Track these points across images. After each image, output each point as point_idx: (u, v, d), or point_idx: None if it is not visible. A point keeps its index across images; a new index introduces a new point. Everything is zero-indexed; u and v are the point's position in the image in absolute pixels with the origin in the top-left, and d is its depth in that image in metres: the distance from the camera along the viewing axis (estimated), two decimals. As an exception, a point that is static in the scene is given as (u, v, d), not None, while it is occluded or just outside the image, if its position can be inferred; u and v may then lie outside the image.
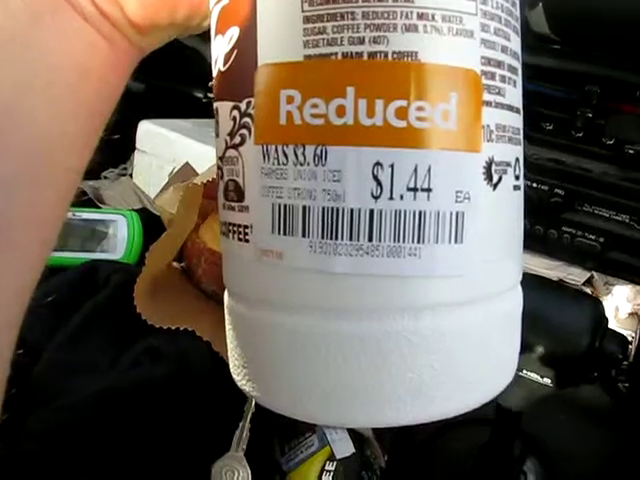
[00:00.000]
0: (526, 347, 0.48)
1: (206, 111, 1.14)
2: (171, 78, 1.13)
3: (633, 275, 0.64)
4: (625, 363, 0.68)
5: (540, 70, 0.62)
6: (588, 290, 0.65)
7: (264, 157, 0.23)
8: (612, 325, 0.67)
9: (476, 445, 0.70)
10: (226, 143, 0.24)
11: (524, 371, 0.50)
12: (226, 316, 0.27)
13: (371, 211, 0.22)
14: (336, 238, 0.22)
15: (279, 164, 0.23)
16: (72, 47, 0.26)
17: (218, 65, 0.24)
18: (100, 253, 0.66)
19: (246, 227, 0.24)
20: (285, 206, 0.23)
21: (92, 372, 0.53)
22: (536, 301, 0.48)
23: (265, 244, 0.23)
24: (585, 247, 0.64)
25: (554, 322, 0.47)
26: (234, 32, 0.23)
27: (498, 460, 0.69)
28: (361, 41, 0.22)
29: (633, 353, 0.67)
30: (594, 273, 0.66)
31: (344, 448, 0.59)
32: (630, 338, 0.69)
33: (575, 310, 0.48)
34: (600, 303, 0.50)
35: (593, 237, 0.64)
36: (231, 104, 0.23)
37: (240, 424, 0.55)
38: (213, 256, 0.60)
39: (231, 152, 0.24)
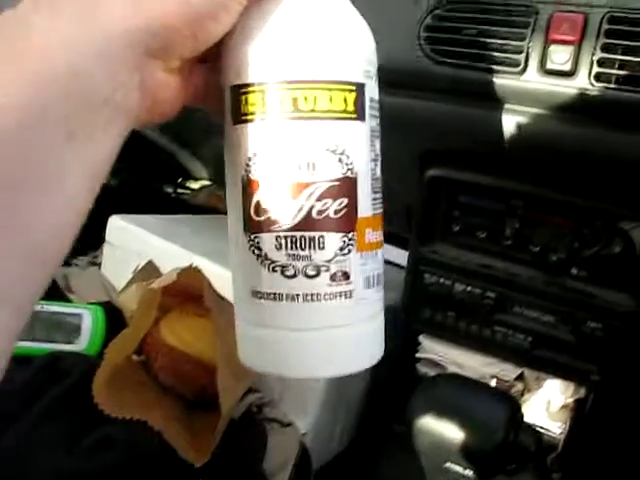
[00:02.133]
0: (449, 441, 0.53)
1: (175, 205, 1.20)
2: (143, 174, 1.19)
3: (559, 371, 0.69)
4: (554, 455, 0.73)
5: (471, 185, 0.68)
6: (520, 385, 0.70)
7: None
8: (544, 418, 0.72)
9: None
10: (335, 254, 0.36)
11: (448, 463, 0.54)
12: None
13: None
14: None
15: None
16: None
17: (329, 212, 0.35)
18: (64, 344, 0.70)
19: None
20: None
21: (51, 456, 0.56)
22: (457, 398, 0.54)
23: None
24: (515, 345, 0.70)
25: (472, 418, 0.52)
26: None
27: None
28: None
29: (562, 444, 0.72)
30: (525, 369, 0.71)
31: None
32: (560, 430, 0.74)
33: (491, 407, 0.53)
34: (514, 400, 0.55)
35: (522, 336, 0.69)
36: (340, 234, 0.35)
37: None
38: (171, 352, 0.64)
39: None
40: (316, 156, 0.35)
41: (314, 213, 0.35)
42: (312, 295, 0.36)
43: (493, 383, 0.71)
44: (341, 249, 0.36)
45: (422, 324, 0.72)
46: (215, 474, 0.60)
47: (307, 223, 0.35)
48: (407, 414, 0.55)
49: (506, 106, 0.60)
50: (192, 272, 0.61)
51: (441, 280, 0.72)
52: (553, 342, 0.68)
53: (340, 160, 0.35)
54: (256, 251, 0.36)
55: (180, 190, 1.20)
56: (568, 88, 0.56)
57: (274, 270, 0.36)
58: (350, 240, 0.36)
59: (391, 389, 0.63)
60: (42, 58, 0.27)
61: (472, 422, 0.52)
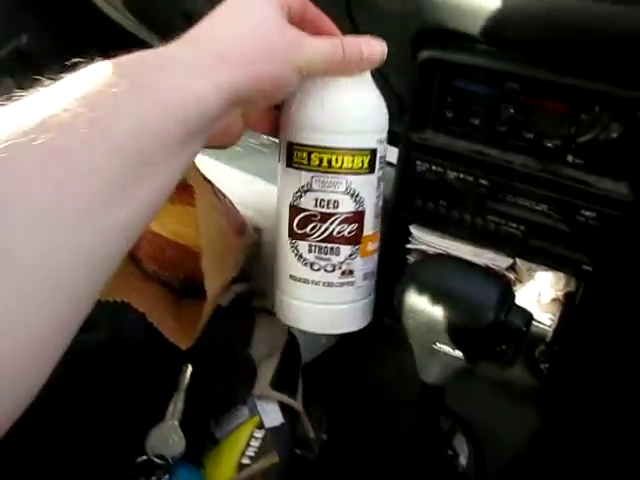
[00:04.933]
0: (438, 320, 0.52)
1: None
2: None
3: (551, 261, 0.68)
4: (544, 346, 0.73)
5: (465, 68, 0.66)
6: (511, 276, 0.69)
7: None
8: (534, 310, 0.71)
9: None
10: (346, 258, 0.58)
11: (437, 344, 0.53)
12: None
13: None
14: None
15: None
16: None
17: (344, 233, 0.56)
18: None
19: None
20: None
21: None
22: (447, 277, 0.52)
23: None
24: (508, 235, 0.68)
25: (463, 297, 0.51)
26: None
27: (427, 439, 0.73)
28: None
29: (551, 335, 0.71)
30: (517, 260, 0.70)
31: (273, 418, 0.62)
32: (550, 322, 0.73)
33: (482, 286, 0.52)
34: (506, 279, 0.54)
35: (515, 225, 0.68)
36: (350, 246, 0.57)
37: (174, 395, 0.58)
38: (155, 238, 0.63)
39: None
40: (339, 197, 0.55)
41: (335, 233, 0.56)
42: (328, 283, 0.57)
43: (484, 273, 0.70)
44: (350, 255, 0.57)
45: (413, 214, 0.71)
46: (201, 359, 0.59)
47: (329, 238, 0.56)
48: (395, 295, 0.54)
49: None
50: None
51: (433, 167, 0.70)
52: (546, 231, 0.67)
53: (355, 200, 0.55)
54: (295, 251, 0.57)
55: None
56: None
57: (305, 265, 0.57)
58: (357, 250, 0.57)
59: (381, 282, 0.62)
60: (177, 96, 0.38)
61: (462, 301, 0.51)
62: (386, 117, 0.56)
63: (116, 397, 0.54)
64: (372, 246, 0.59)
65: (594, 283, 0.67)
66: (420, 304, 0.52)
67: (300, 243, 0.56)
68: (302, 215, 0.55)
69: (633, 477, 0.69)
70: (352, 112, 0.53)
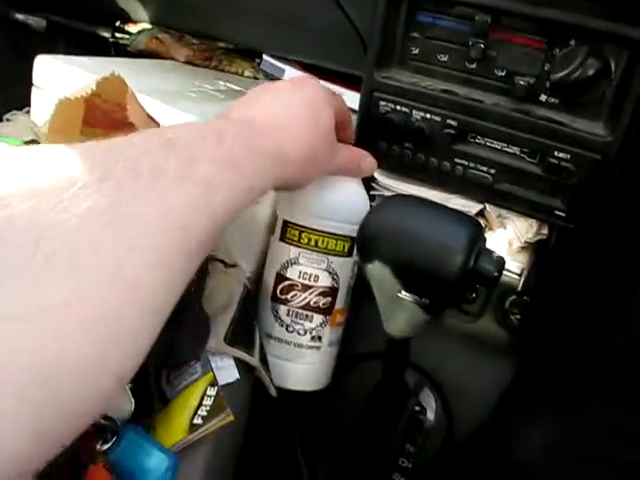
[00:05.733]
0: (401, 266, 0.48)
1: (112, 51, 1.11)
2: (76, 17, 1.08)
3: (522, 206, 0.65)
4: (514, 296, 0.70)
5: (432, 0, 0.61)
6: (481, 222, 0.66)
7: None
8: (504, 257, 0.68)
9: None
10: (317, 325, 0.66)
11: (402, 292, 0.50)
12: None
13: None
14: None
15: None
16: None
17: (319, 303, 0.66)
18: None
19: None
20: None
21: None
22: (412, 219, 0.48)
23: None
24: (477, 179, 0.65)
25: (429, 239, 0.47)
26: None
27: (393, 393, 0.70)
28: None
29: (522, 285, 0.68)
30: (487, 205, 0.67)
31: (228, 375, 0.58)
32: (521, 271, 0.70)
33: (450, 227, 0.48)
34: (476, 221, 0.50)
35: (485, 169, 0.64)
36: (323, 316, 0.67)
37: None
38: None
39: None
40: (319, 273, 0.64)
41: (312, 302, 0.64)
42: (299, 344, 0.66)
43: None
44: (321, 324, 0.66)
45: (377, 158, 0.66)
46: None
47: (306, 306, 0.65)
48: (357, 239, 0.50)
49: None
50: (113, 81, 0.54)
51: (398, 108, 0.65)
52: (517, 175, 0.63)
53: (332, 277, 0.65)
54: (275, 313, 0.66)
55: (118, 35, 1.09)
56: None
57: (281, 326, 0.66)
58: (327, 320, 0.66)
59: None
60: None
61: (428, 244, 0.47)
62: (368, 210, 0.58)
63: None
64: (341, 318, 0.68)
65: (567, 229, 0.64)
66: (383, 248, 0.48)
67: (280, 307, 0.65)
68: (286, 283, 0.64)
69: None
70: (341, 205, 0.63)
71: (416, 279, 0.48)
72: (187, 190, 0.36)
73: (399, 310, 0.52)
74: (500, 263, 0.48)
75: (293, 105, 0.54)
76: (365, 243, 0.49)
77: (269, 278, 0.66)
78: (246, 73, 1.08)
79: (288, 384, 0.66)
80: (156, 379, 0.55)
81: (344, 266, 0.65)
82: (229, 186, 0.40)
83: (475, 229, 0.48)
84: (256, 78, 1.08)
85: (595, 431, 0.52)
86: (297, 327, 0.65)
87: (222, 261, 0.65)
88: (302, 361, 0.66)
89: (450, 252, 0.46)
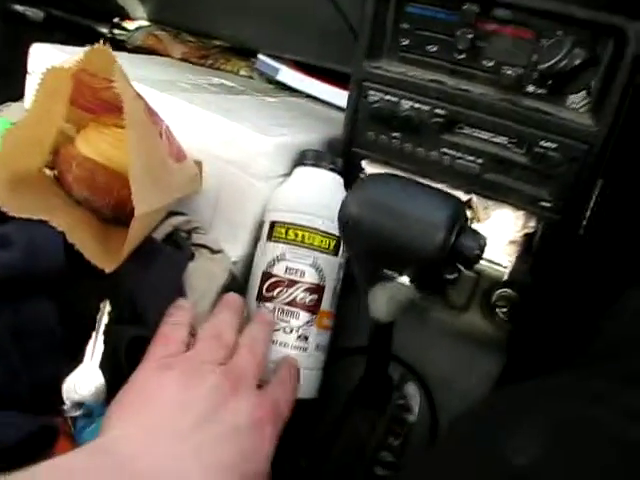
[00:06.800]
0: (382, 243, 0.48)
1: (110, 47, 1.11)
2: (74, 11, 1.09)
3: (509, 197, 0.65)
4: (501, 290, 0.70)
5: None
6: (468, 213, 0.66)
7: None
8: (491, 250, 0.68)
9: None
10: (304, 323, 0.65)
11: (383, 270, 0.49)
12: None
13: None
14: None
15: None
16: None
17: (305, 300, 0.65)
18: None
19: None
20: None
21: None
22: (393, 195, 0.48)
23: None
24: (464, 168, 0.65)
25: (410, 216, 0.47)
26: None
27: (377, 386, 0.70)
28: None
29: (507, 276, 0.68)
30: (474, 197, 0.67)
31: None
32: (508, 264, 0.70)
33: (431, 204, 0.47)
34: (457, 199, 0.50)
35: (472, 158, 0.64)
36: (309, 314, 0.65)
37: (93, 334, 0.54)
38: (86, 162, 0.58)
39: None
40: (305, 268, 0.64)
41: (298, 299, 0.64)
42: (284, 343, 0.64)
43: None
44: (307, 322, 0.65)
45: (365, 147, 0.66)
46: (132, 285, 0.55)
47: (292, 303, 0.64)
48: (338, 217, 0.50)
49: None
50: (101, 52, 0.54)
51: (387, 98, 0.66)
52: (504, 165, 0.63)
53: (318, 274, 0.65)
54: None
55: (116, 31, 1.10)
56: None
57: None
58: (314, 319, 0.65)
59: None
60: None
61: (409, 220, 0.46)
62: None
63: (29, 323, 0.49)
64: (327, 322, 0.67)
65: (554, 221, 0.64)
66: (364, 225, 0.48)
67: (266, 305, 0.64)
68: (272, 280, 0.64)
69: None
70: (326, 201, 0.65)
71: (396, 256, 0.48)
72: None
73: (382, 291, 0.52)
74: (482, 241, 0.48)
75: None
76: (346, 221, 0.49)
77: (255, 280, 0.66)
78: (241, 72, 1.09)
79: None
80: (131, 364, 0.54)
81: (330, 265, 0.66)
82: None
83: (456, 206, 0.48)
84: (251, 77, 1.08)
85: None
86: (283, 325, 0.64)
87: (208, 247, 0.64)
88: None
89: (431, 228, 0.46)
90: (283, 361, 0.62)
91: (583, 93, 0.59)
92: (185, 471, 0.45)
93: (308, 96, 1.02)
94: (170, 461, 0.45)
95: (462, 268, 0.50)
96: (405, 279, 0.49)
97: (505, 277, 0.67)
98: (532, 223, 0.67)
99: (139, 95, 0.55)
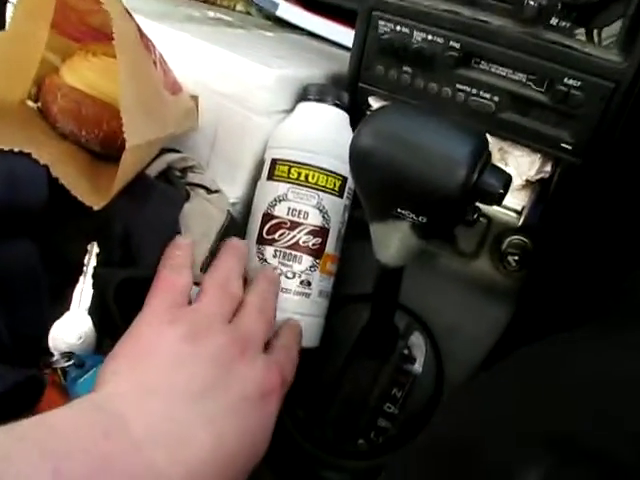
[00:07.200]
0: (398, 179, 0.44)
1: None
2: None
3: (525, 137, 0.61)
4: (513, 236, 0.66)
5: None
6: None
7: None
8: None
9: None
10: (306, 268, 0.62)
11: (397, 209, 0.45)
12: None
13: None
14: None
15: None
16: None
17: (309, 244, 0.62)
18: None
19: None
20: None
21: None
22: (411, 127, 0.44)
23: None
24: (479, 106, 0.61)
25: (429, 150, 0.42)
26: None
27: (382, 335, 0.67)
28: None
29: (521, 222, 0.65)
30: (488, 137, 0.62)
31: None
32: (521, 209, 0.66)
33: (453, 137, 0.43)
34: (483, 133, 0.46)
35: (488, 96, 0.60)
36: (312, 258, 0.62)
37: (80, 279, 0.50)
38: (72, 92, 0.54)
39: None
40: (309, 209, 0.61)
41: (301, 242, 0.60)
42: (286, 289, 0.60)
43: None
44: (310, 267, 0.61)
45: (373, 82, 0.62)
46: (124, 223, 0.51)
47: (295, 246, 0.60)
48: (350, 151, 0.46)
49: None
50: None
51: (398, 28, 0.61)
52: (523, 103, 0.59)
53: (323, 216, 0.61)
54: (260, 256, 0.61)
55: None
56: None
57: None
58: (317, 263, 0.61)
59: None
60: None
61: (428, 155, 0.42)
62: None
63: (3, 271, 0.45)
64: (331, 267, 0.63)
65: (573, 165, 0.60)
66: (378, 159, 0.44)
67: (267, 248, 0.61)
68: (273, 222, 0.60)
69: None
70: (332, 139, 0.62)
71: (414, 194, 0.44)
72: None
73: (393, 232, 0.48)
74: (507, 179, 0.44)
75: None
76: (358, 154, 0.45)
77: (255, 222, 0.62)
78: (238, 7, 1.03)
79: None
80: (123, 310, 0.50)
81: (335, 206, 0.62)
82: None
83: (480, 139, 0.44)
84: (249, 13, 1.03)
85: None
86: (285, 269, 0.60)
87: (205, 187, 0.60)
88: (290, 310, 0.60)
89: (452, 164, 0.42)
90: (286, 325, 0.59)
91: (612, 26, 0.55)
92: (189, 438, 0.42)
93: (309, 34, 0.96)
94: (168, 424, 0.42)
95: (482, 209, 0.46)
96: (421, 218, 0.45)
97: (520, 223, 0.64)
98: (548, 168, 0.63)
99: (131, 16, 0.50)
